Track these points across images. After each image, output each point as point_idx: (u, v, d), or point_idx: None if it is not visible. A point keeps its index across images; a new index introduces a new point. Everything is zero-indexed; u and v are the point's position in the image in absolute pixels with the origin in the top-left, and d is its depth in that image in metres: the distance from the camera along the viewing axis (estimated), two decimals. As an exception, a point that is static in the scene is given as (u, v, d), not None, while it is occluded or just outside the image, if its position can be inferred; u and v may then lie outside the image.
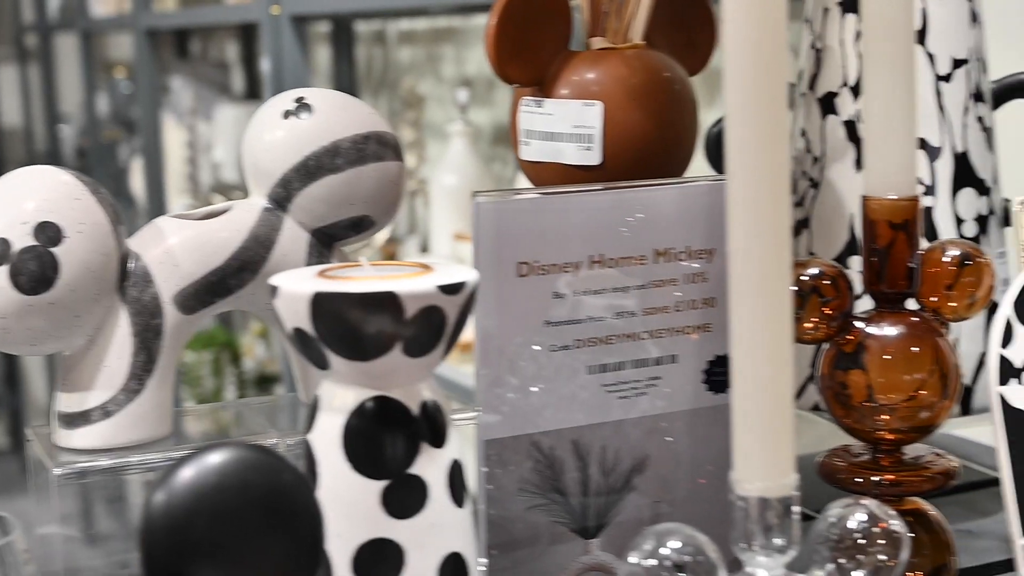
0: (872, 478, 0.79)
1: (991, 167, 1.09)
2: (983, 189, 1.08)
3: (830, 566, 0.69)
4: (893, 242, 0.78)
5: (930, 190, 1.05)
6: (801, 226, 1.09)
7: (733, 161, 0.65)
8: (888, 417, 0.78)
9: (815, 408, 0.96)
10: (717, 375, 0.85)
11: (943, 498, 1.09)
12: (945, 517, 1.04)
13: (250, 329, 3.36)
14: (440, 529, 0.69)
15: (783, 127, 0.64)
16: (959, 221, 1.06)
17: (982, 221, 1.07)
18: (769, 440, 0.66)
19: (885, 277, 0.79)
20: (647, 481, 0.85)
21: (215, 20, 3.24)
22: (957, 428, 1.23)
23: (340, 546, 0.68)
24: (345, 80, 3.06)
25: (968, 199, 1.06)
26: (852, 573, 0.69)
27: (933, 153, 1.05)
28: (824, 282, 0.77)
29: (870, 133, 0.78)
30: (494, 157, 2.73)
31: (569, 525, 0.83)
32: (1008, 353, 0.79)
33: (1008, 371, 0.79)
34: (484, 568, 0.83)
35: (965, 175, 1.06)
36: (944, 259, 0.80)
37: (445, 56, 2.97)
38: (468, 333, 0.73)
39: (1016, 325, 0.79)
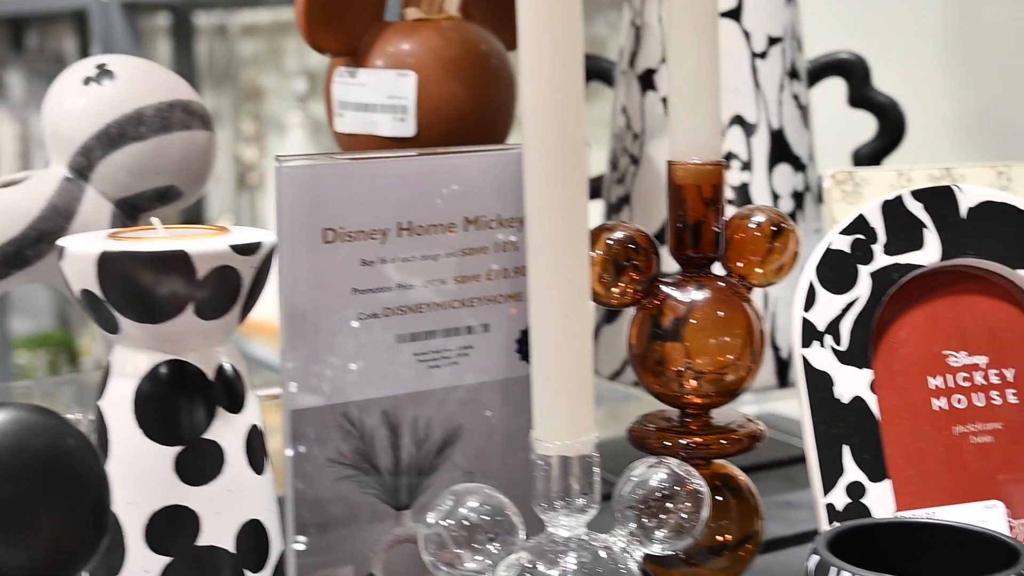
0: (680, 441, 0.79)
1: (807, 144, 1.11)
2: (799, 165, 1.09)
3: (632, 525, 0.69)
4: (698, 207, 0.79)
5: (747, 166, 1.07)
6: (622, 203, 1.10)
7: (529, 126, 0.65)
8: (695, 382, 0.79)
9: (637, 384, 0.96)
10: (527, 343, 0.84)
11: (765, 471, 1.11)
12: (765, 489, 1.06)
13: (89, 328, 3.28)
14: (238, 496, 0.68)
15: (578, 92, 0.64)
16: (775, 197, 1.07)
17: (798, 197, 1.09)
18: (568, 399, 0.66)
19: (691, 242, 0.79)
20: (461, 452, 0.84)
21: (45, 7, 3.16)
22: (779, 400, 1.25)
23: (133, 514, 0.66)
24: (185, 73, 3.00)
25: (784, 175, 1.08)
26: (655, 532, 0.69)
27: (749, 129, 1.06)
28: (630, 246, 0.77)
29: (675, 99, 0.78)
30: (335, 148, 2.70)
31: (382, 498, 0.81)
32: (811, 316, 0.80)
33: (811, 334, 0.80)
34: (303, 546, 0.82)
35: (781, 151, 1.08)
36: (750, 225, 0.81)
37: (287, 49, 2.94)
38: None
39: (819, 289, 0.80)
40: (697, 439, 0.80)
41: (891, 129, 1.17)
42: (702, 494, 0.69)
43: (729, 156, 1.06)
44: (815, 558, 0.66)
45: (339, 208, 0.78)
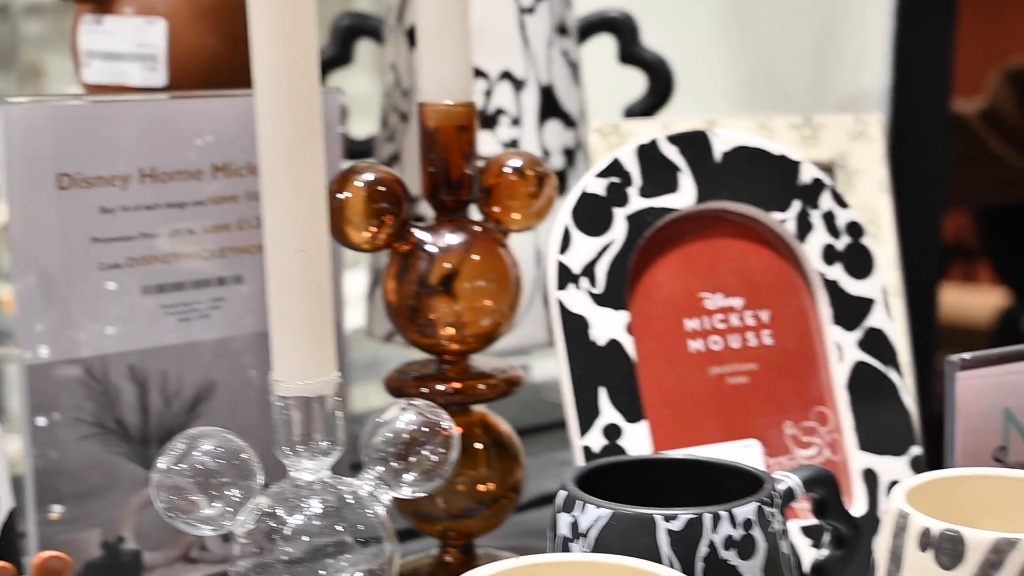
0: (438, 387, 0.78)
1: (577, 101, 1.11)
2: (569, 122, 1.09)
3: (380, 468, 0.67)
4: (451, 149, 0.78)
5: (516, 121, 1.06)
6: (393, 160, 1.08)
7: (258, 70, 0.63)
8: (451, 328, 0.78)
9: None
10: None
11: (547, 432, 1.11)
12: (544, 448, 1.05)
13: None
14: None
15: (310, 38, 0.63)
16: (546, 153, 1.07)
17: (569, 154, 1.09)
18: (307, 339, 0.64)
19: (444, 185, 0.78)
20: (215, 409, 0.82)
21: None
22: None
23: None
24: (-36, 53, 2.89)
25: (555, 131, 1.08)
26: (404, 475, 0.68)
27: (518, 85, 1.06)
28: (379, 188, 0.75)
29: (423, 40, 0.77)
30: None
31: (130, 457, 0.79)
32: (566, 259, 0.79)
33: (566, 276, 0.79)
34: (58, 514, 0.79)
35: (551, 107, 1.08)
36: (506, 170, 0.80)
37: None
38: None
39: (574, 232, 0.80)
40: (455, 384, 0.79)
41: (660, 86, 1.17)
42: (451, 436, 0.68)
43: (498, 112, 1.05)
44: (563, 493, 0.65)
45: (75, 153, 0.75)
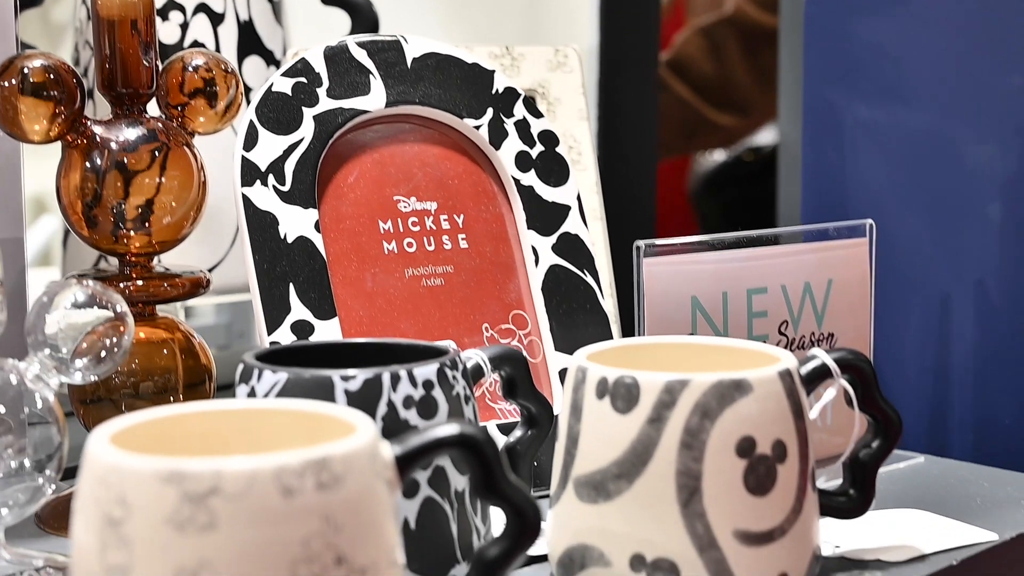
0: (120, 285, 0.76)
1: (280, 39, 1.09)
2: (272, 60, 1.08)
3: (47, 350, 0.65)
4: (127, 40, 0.75)
5: (215, 55, 1.04)
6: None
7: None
8: (133, 232, 0.75)
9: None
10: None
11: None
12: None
13: None
14: None
15: None
16: (248, 89, 1.05)
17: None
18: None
19: (120, 77, 0.76)
20: None
21: None
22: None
23: None
24: None
25: (256, 68, 1.06)
26: (74, 358, 0.65)
27: (216, 18, 1.04)
28: (50, 76, 0.72)
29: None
30: None
31: None
32: (252, 156, 0.78)
33: (253, 173, 0.78)
34: None
35: (251, 44, 1.06)
36: (187, 69, 0.78)
37: None
38: None
39: (260, 129, 0.78)
40: (138, 283, 0.76)
41: (363, 27, 1.17)
42: (125, 316, 0.66)
43: (195, 45, 1.03)
44: (240, 366, 0.64)
45: None
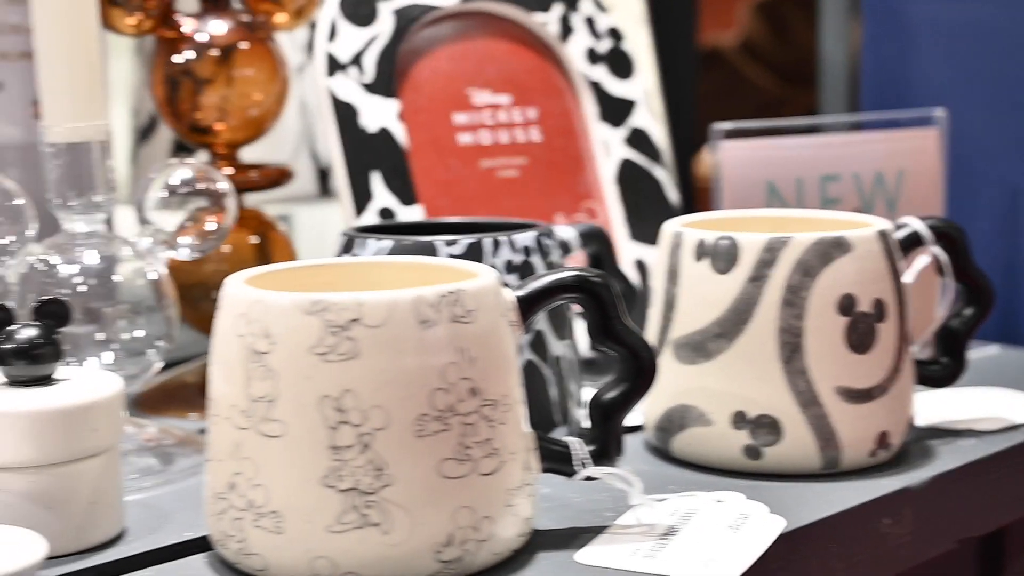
0: (209, 176, 0.77)
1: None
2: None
3: (157, 224, 0.66)
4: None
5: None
6: None
7: None
8: (220, 118, 0.77)
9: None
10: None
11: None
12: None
13: None
14: None
15: None
16: None
17: None
18: (76, 82, 0.62)
19: (207, -29, 0.77)
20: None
21: None
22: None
23: None
24: None
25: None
26: (180, 234, 0.66)
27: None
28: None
29: None
30: None
31: None
32: (333, 49, 0.79)
33: (334, 65, 0.79)
34: None
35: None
36: (269, -36, 0.79)
37: None
38: None
39: (340, 22, 0.80)
40: (227, 172, 0.78)
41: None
42: (227, 194, 0.67)
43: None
44: (341, 239, 0.65)
45: None
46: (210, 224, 0.67)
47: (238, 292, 0.49)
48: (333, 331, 0.47)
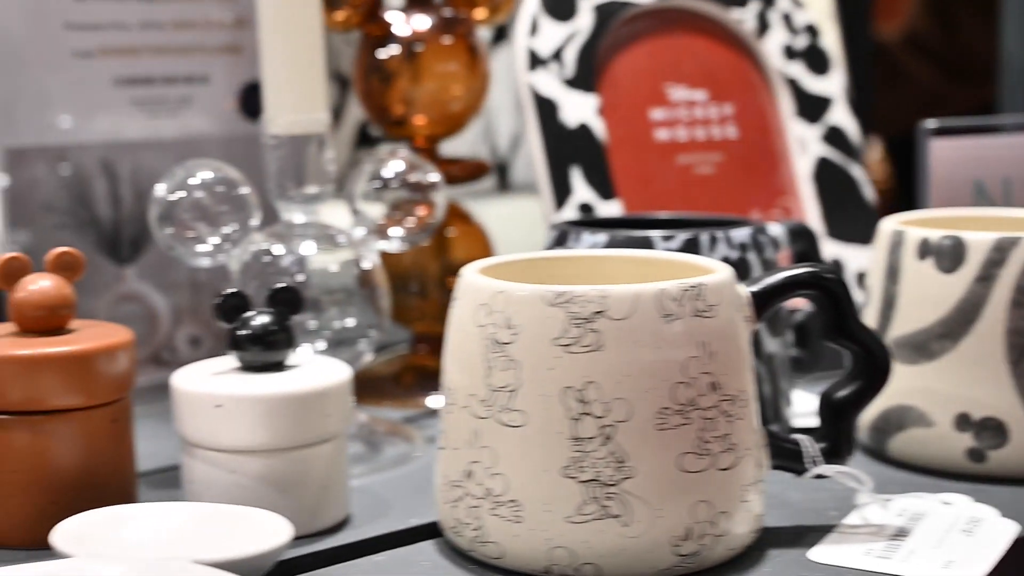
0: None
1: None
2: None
3: (369, 216, 0.67)
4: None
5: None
6: None
7: None
8: (421, 112, 0.77)
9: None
10: (251, 100, 0.82)
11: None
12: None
13: None
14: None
15: None
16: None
17: None
18: (298, 76, 0.63)
19: (413, -32, 0.78)
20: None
21: None
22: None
23: None
24: None
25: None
26: (392, 226, 0.67)
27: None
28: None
29: None
30: None
31: (103, 251, 0.77)
32: (534, 44, 0.80)
33: (535, 61, 0.79)
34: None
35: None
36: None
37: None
38: None
39: (541, 17, 0.80)
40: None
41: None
42: (437, 185, 0.68)
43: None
44: (552, 233, 0.65)
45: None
46: (420, 216, 0.67)
47: (478, 282, 0.50)
48: (577, 323, 0.47)
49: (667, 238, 0.62)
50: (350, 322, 0.66)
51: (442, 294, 0.79)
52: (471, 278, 0.50)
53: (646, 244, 0.62)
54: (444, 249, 0.80)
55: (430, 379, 0.79)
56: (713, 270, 0.51)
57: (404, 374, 0.80)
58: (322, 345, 0.65)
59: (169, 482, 0.61)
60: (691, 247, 0.62)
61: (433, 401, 0.76)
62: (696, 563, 0.49)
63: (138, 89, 0.78)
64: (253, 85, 0.81)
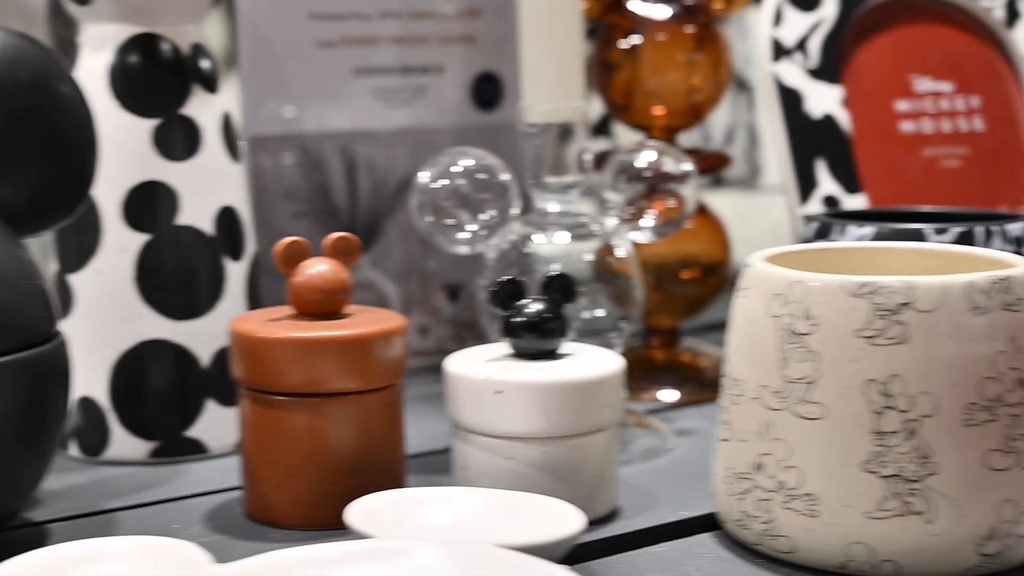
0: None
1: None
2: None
3: (621, 205, 0.66)
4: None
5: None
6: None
7: None
8: (661, 103, 0.77)
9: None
10: (484, 91, 0.82)
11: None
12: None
13: None
14: (215, 177, 0.64)
15: None
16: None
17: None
18: (557, 65, 0.63)
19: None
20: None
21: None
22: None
23: (109, 191, 0.62)
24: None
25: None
26: (642, 217, 0.66)
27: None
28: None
29: None
30: None
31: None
32: (778, 34, 0.78)
33: (779, 51, 0.78)
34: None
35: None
36: (713, -49, 0.79)
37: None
38: None
39: (785, 7, 0.79)
40: (666, 160, 0.78)
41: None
42: (690, 175, 0.67)
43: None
44: (812, 225, 0.64)
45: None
46: (671, 207, 0.67)
47: (772, 272, 0.49)
48: (882, 314, 0.46)
49: (940, 231, 0.60)
50: (599, 313, 0.65)
51: (677, 287, 0.79)
52: (762, 268, 0.50)
53: (917, 237, 0.60)
54: (680, 242, 0.79)
55: (659, 373, 0.78)
56: (1011, 263, 0.50)
57: (633, 367, 0.80)
58: (570, 336, 0.65)
59: (430, 467, 0.62)
60: (965, 240, 0.60)
61: (665, 395, 0.75)
62: (998, 564, 0.47)
63: (376, 79, 0.79)
64: (486, 75, 0.82)
